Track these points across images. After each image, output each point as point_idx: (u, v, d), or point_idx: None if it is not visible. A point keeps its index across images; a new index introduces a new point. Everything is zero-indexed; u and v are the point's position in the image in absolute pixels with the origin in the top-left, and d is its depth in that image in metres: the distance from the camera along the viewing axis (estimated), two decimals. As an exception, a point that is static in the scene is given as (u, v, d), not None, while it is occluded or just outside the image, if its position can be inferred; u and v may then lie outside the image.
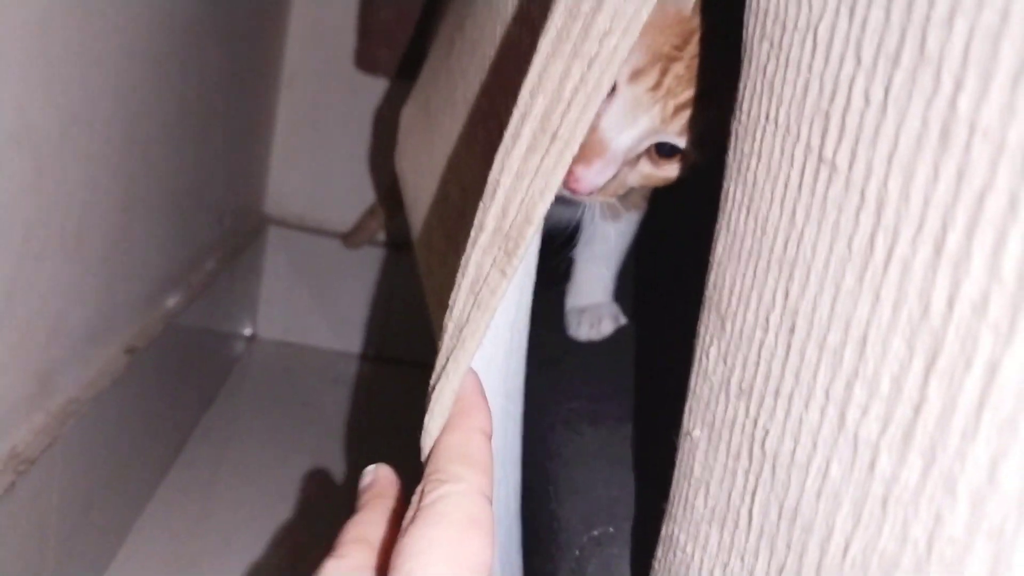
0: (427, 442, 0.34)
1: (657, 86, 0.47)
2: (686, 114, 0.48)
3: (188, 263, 1.06)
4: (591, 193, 0.51)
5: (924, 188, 0.20)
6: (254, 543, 0.94)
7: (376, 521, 0.35)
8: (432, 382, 0.36)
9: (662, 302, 0.63)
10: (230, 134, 1.17)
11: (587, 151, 0.50)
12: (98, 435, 0.78)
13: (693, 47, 0.47)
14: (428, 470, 0.33)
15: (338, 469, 1.14)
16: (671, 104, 0.48)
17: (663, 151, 0.51)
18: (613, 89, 0.49)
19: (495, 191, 0.33)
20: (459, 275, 0.35)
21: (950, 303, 0.19)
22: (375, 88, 1.33)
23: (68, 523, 0.73)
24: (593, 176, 0.50)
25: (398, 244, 1.43)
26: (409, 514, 0.30)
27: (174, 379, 1.00)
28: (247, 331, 1.37)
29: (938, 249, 0.19)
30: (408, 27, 1.23)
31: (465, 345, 0.34)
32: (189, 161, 1.00)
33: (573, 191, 0.51)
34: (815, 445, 0.23)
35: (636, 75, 0.48)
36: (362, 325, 1.44)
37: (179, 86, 0.92)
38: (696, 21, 0.47)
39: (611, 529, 0.50)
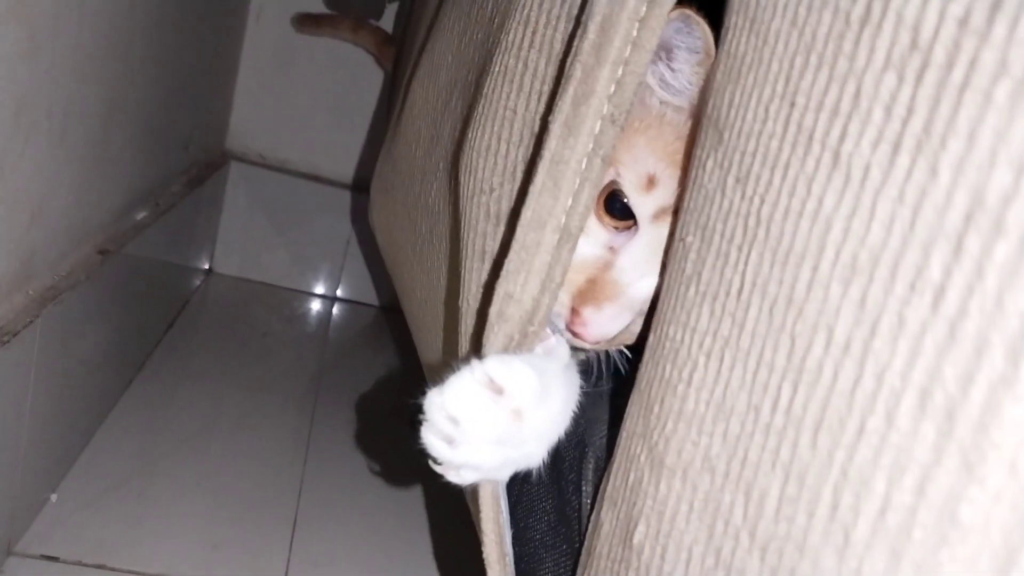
0: None
1: None
2: None
3: (156, 182, 1.07)
4: (597, 343, 0.45)
5: (917, -48, 0.25)
6: (210, 451, 0.97)
7: None
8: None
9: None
10: (198, 63, 1.19)
11: (598, 292, 0.44)
12: (73, 324, 0.79)
13: None
14: None
15: (289, 393, 1.16)
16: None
17: None
18: (634, 223, 0.44)
19: (596, 52, 0.38)
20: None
21: (937, 27, 0.23)
22: (345, 28, 1.36)
23: (42, 405, 0.75)
24: (604, 322, 0.44)
25: (358, 186, 1.45)
26: None
27: (140, 290, 1.02)
28: (204, 265, 1.38)
29: (928, -10, 0.24)
30: (381, -30, 1.25)
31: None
32: (161, 80, 1.01)
33: (576, 335, 0.44)
34: (809, 189, 0.28)
35: (662, 214, 0.44)
36: (318, 265, 1.46)
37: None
38: None
39: (583, 385, 0.53)
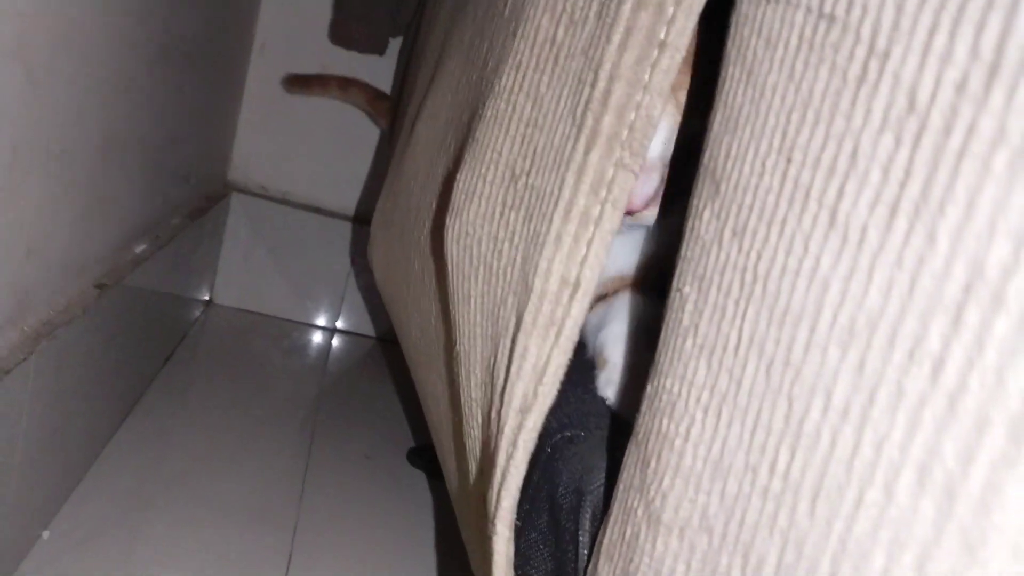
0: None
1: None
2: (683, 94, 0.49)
3: (157, 214, 1.07)
4: (647, 205, 0.50)
5: (913, 13, 0.24)
6: (206, 488, 0.96)
7: None
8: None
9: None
10: (201, 95, 1.19)
11: None
12: (68, 360, 0.79)
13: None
14: None
15: (287, 427, 1.15)
16: (680, 95, 0.48)
17: None
18: None
19: (606, 99, 0.37)
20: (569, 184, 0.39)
21: (934, 91, 0.23)
22: (346, 61, 1.36)
23: (35, 442, 0.74)
24: (641, 187, 0.49)
25: (359, 218, 1.45)
26: None
27: (138, 323, 1.01)
28: (204, 296, 1.38)
29: (925, 52, 0.23)
30: (385, 5, 1.26)
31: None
32: (163, 113, 1.01)
33: (630, 211, 0.49)
34: (806, 248, 0.27)
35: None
36: (318, 297, 1.46)
37: (160, 34, 0.93)
38: None
39: (582, 433, 0.53)
